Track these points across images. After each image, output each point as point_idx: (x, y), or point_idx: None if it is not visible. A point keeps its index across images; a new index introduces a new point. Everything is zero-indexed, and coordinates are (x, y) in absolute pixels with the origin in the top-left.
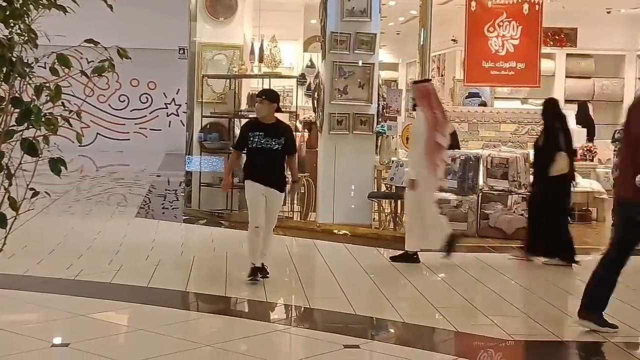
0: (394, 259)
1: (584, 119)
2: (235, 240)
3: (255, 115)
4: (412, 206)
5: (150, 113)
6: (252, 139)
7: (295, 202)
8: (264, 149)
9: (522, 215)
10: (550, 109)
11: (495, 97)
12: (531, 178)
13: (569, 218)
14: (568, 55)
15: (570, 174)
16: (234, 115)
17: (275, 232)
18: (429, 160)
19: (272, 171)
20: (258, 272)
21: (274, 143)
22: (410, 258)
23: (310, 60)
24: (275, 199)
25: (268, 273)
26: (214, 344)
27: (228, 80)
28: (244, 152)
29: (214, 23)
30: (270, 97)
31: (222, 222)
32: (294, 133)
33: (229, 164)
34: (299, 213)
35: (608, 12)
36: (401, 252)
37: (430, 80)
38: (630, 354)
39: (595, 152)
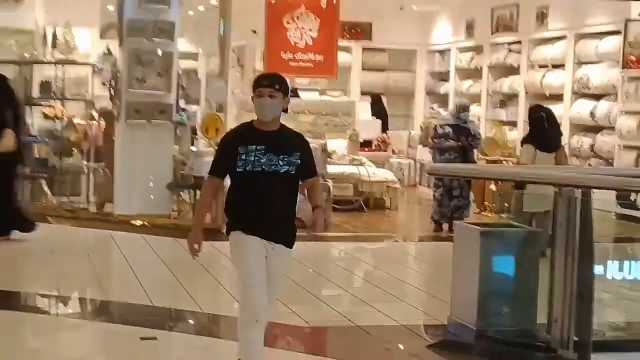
0: None
1: (379, 111)
2: (34, 233)
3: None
4: None
5: None
6: (244, 157)
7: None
8: (264, 174)
9: None
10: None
11: (295, 88)
12: (329, 167)
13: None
14: (364, 48)
15: (17, 151)
16: (25, 102)
17: (69, 223)
18: None
19: (278, 213)
20: None
21: (281, 163)
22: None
23: (107, 48)
24: (280, 261)
25: None
26: (3, 340)
27: (19, 66)
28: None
29: (2, 6)
30: (285, 88)
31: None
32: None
33: (203, 205)
34: (95, 203)
35: (401, 9)
36: None
37: None
38: (419, 335)
39: (389, 143)
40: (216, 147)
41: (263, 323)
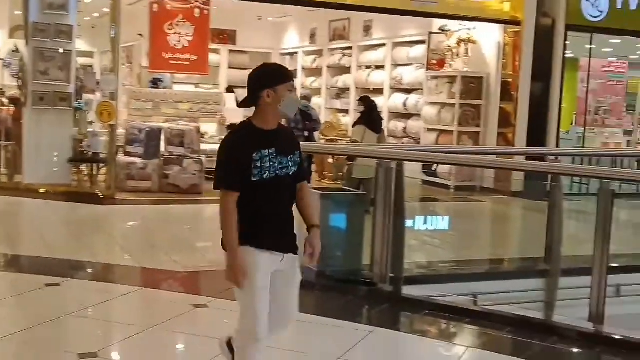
0: None
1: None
2: None
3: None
4: None
5: None
6: (259, 164)
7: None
8: (279, 180)
9: (194, 174)
10: None
11: (174, 82)
12: (202, 146)
13: None
14: (230, 51)
15: None
16: None
17: None
18: None
19: (290, 220)
20: None
21: (290, 164)
22: None
23: (15, 46)
24: (294, 271)
25: None
26: None
27: None
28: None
29: None
30: None
31: None
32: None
33: (229, 226)
34: (6, 175)
35: (259, 19)
36: None
37: None
38: None
39: None
40: (213, 155)
41: (263, 343)
